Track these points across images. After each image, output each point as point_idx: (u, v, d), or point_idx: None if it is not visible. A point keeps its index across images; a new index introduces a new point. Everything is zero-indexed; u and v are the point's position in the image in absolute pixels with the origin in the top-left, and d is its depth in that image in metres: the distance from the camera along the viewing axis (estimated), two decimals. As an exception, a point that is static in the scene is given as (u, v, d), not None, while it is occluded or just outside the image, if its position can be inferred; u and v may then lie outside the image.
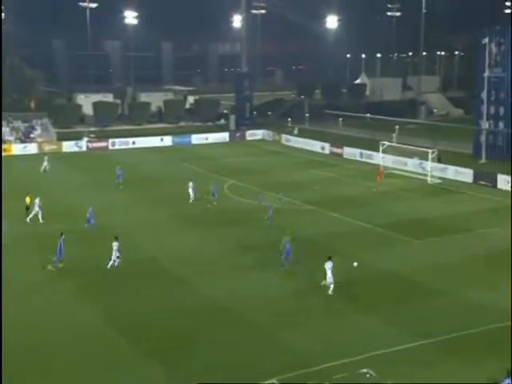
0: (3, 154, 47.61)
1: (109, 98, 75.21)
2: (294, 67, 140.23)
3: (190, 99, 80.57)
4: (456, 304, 21.38)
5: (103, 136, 60.15)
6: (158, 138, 59.93)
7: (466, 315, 20.47)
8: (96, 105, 70.49)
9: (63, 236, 24.40)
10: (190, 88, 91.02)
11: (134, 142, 58.23)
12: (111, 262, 24.17)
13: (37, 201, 30.57)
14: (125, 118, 73.40)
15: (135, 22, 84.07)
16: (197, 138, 61.56)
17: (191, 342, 18.80)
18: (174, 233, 30.00)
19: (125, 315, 20.62)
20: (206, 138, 61.86)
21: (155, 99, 76.08)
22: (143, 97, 77.87)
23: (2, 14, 70.39)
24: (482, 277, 23.97)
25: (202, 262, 25.79)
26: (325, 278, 22.07)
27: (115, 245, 24.27)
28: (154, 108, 74.71)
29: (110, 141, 57.75)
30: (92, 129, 64.62)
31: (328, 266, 21.96)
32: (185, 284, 23.37)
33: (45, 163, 44.69)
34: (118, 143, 57.74)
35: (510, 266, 24.82)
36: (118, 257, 24.20)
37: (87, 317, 20.46)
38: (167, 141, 59.85)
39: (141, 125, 70.13)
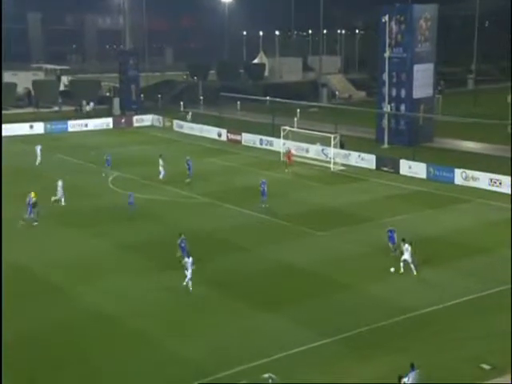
0: None
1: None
2: (185, 45, 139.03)
3: (65, 80, 77.14)
4: (360, 298, 22.40)
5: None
6: (27, 124, 56.74)
7: (370, 310, 21.52)
8: None
9: None
10: (65, 67, 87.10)
11: (-3, 130, 54.54)
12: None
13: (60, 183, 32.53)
14: (-16, 102, 68.57)
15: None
16: (74, 125, 59.10)
17: (67, 361, 18.07)
18: (44, 235, 28.61)
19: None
20: (86, 125, 59.58)
21: (22, 79, 71.95)
22: (7, 76, 73.30)
23: None
24: (386, 269, 25.31)
25: (78, 266, 24.86)
26: None
27: None
28: (21, 90, 70.55)
29: (-35, 129, 53.66)
30: None
31: None
32: (59, 292, 22.40)
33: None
34: (-23, 131, 53.78)
35: (415, 256, 26.57)
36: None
37: None
38: (38, 128, 56.86)
39: (6, 109, 65.87)
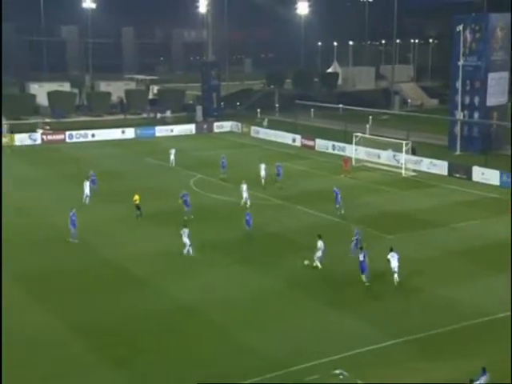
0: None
1: (65, 87, 73.81)
2: (263, 55, 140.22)
3: (154, 89, 79.74)
4: (431, 301, 21.75)
5: (59, 128, 58.96)
6: (120, 130, 59.13)
7: (442, 312, 20.85)
8: (51, 94, 69.02)
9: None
10: (153, 77, 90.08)
11: (93, 135, 57.28)
12: (186, 249, 25.37)
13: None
14: (83, 109, 72.15)
15: (93, 5, 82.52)
16: (161, 130, 60.96)
17: (155, 347, 18.65)
18: (135, 231, 29.65)
19: (83, 320, 20.31)
20: (171, 130, 61.33)
21: (116, 89, 75.02)
22: (103, 86, 76.66)
23: None
24: (458, 273, 24.44)
25: (166, 262, 25.60)
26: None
27: (185, 232, 25.43)
28: (114, 98, 73.63)
29: (67, 133, 56.63)
30: (47, 120, 63.20)
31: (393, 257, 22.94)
32: (148, 285, 23.14)
33: None
34: (76, 136, 56.68)
35: (486, 261, 25.45)
36: (190, 244, 25.43)
37: (45, 323, 20.07)
38: (129, 133, 59.09)
39: (101, 116, 69.03)
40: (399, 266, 22.72)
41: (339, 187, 33.01)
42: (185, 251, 25.58)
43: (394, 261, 22.74)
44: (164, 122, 64.92)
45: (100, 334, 19.38)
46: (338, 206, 31.82)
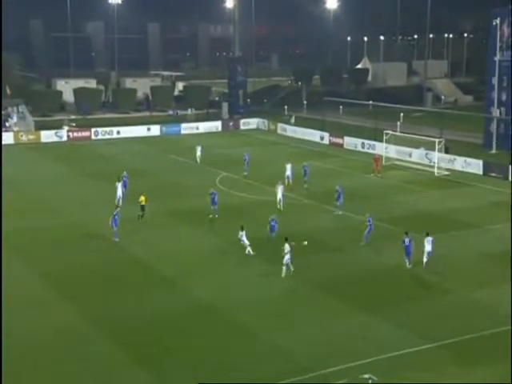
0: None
1: (91, 83, 74.85)
2: (290, 51, 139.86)
3: (179, 85, 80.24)
4: (465, 304, 21.48)
5: (85, 125, 59.85)
6: (145, 127, 59.69)
7: (475, 316, 20.57)
8: (77, 91, 70.08)
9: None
10: (179, 73, 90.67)
11: (118, 132, 58.00)
12: (247, 250, 25.79)
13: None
14: (109, 106, 73.06)
15: (119, 1, 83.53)
16: (186, 128, 61.35)
17: (182, 346, 18.80)
18: (162, 229, 29.94)
19: (110, 319, 20.60)
20: (197, 128, 61.65)
21: (141, 85, 75.75)
22: (129, 83, 77.53)
23: None
24: (493, 276, 24.03)
25: (190, 261, 25.78)
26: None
27: (242, 234, 25.74)
28: (140, 95, 74.38)
29: (93, 130, 57.45)
30: (73, 117, 64.27)
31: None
32: (175, 285, 23.36)
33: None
34: (102, 133, 57.47)
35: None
36: (248, 244, 25.79)
37: (70, 320, 20.42)
38: (155, 130, 59.61)
39: (127, 113, 69.82)
40: (431, 252, 24.12)
41: (371, 188, 32.76)
42: (246, 252, 25.87)
43: (428, 245, 24.15)
44: (186, 119, 65.10)
45: (127, 333, 19.62)
46: (338, 204, 31.70)
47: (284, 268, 23.52)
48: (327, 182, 39.22)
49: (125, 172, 35.50)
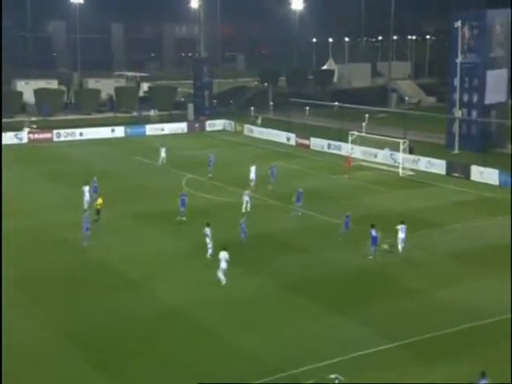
0: None
1: (53, 84, 73.42)
2: (256, 52, 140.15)
3: (144, 86, 79.52)
4: (429, 303, 21.85)
5: (47, 126, 58.73)
6: (109, 128, 58.91)
7: (438, 315, 20.94)
8: (38, 92, 68.63)
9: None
10: (144, 74, 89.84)
11: (81, 134, 57.12)
12: (209, 251, 25.22)
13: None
14: (71, 107, 71.84)
15: (81, 0, 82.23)
16: (151, 129, 60.82)
17: (144, 350, 18.61)
18: (127, 232, 29.59)
19: (73, 323, 20.31)
20: (162, 129, 61.18)
21: (105, 86, 74.66)
22: (92, 83, 76.35)
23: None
24: (457, 275, 24.53)
25: (156, 264, 25.57)
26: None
27: (207, 230, 25.50)
28: (104, 96, 73.36)
29: (55, 132, 56.42)
30: (34, 118, 62.88)
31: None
32: (137, 288, 23.12)
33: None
34: (64, 134, 56.48)
35: (484, 262, 25.57)
36: (210, 243, 25.44)
37: (32, 324, 20.01)
38: (119, 132, 58.90)
39: (90, 114, 68.78)
40: (405, 239, 25.63)
41: (337, 188, 33.02)
42: (208, 255, 25.52)
43: (401, 233, 25.65)
44: (149, 120, 64.37)
45: (91, 337, 19.35)
46: (299, 204, 31.91)
47: (222, 277, 22.78)
48: (293, 182, 39.33)
49: (95, 177, 34.93)
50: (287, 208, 33.16)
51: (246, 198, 32.33)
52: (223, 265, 22.83)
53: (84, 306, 21.54)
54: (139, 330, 19.98)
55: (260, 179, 37.24)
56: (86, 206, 31.79)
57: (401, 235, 25.74)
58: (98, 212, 29.95)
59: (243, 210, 31.76)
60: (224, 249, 23.06)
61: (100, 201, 30.26)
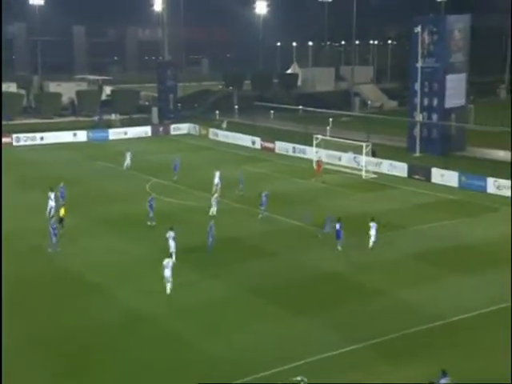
0: None
1: (11, 87, 71.97)
2: (221, 56, 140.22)
3: (107, 90, 78.64)
4: (393, 304, 22.24)
5: (6, 130, 57.38)
6: (71, 132, 58.03)
7: (402, 316, 21.34)
8: (-3, 95, 67.06)
9: None
10: (106, 77, 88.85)
11: (42, 138, 56.12)
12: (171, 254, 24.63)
13: None
14: (31, 111, 70.48)
15: (41, 2, 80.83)
16: (114, 133, 60.18)
17: (106, 357, 18.42)
18: (91, 238, 29.22)
19: (35, 330, 19.93)
20: (125, 133, 60.61)
21: (66, 90, 73.59)
22: (52, 87, 75.14)
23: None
24: (420, 275, 25.05)
25: (119, 270, 25.32)
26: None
27: (170, 234, 25.40)
28: (65, 99, 72.23)
29: (14, 136, 55.33)
30: (-8, 122, 61.43)
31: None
32: (99, 293, 22.87)
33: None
34: (24, 139, 55.44)
35: (445, 263, 26.22)
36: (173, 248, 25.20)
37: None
38: (81, 136, 58.08)
39: (51, 118, 67.59)
40: (376, 235, 27.08)
41: (302, 192, 33.20)
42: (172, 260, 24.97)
43: (372, 229, 27.19)
44: (110, 125, 63.49)
45: (53, 345, 19.03)
46: (262, 208, 32.20)
47: (168, 284, 22.35)
48: (259, 186, 39.53)
49: (62, 183, 34.34)
50: (253, 212, 33.30)
51: (213, 202, 32.35)
52: (167, 273, 22.21)
53: (47, 313, 21.20)
54: (103, 336, 19.78)
55: (226, 183, 37.27)
56: (52, 212, 31.19)
57: (372, 232, 27.10)
58: (60, 221, 29.48)
59: (210, 214, 31.75)
60: (169, 256, 22.82)
61: (62, 211, 29.82)
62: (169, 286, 22.46)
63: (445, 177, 40.59)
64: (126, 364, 18.17)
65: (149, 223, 30.56)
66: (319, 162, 43.20)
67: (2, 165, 38.13)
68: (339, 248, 27.18)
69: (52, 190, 32.34)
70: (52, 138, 56.38)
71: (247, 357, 18.51)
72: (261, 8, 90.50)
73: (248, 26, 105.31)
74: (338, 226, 27.19)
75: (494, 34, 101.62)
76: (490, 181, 38.00)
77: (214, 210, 32.26)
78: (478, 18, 64.75)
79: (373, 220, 27.44)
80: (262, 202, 32.13)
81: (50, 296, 22.68)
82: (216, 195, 33.28)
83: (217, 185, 36.77)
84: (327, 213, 32.81)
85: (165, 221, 30.28)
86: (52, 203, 31.61)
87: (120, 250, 27.78)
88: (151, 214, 30.82)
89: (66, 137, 57.16)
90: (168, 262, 22.49)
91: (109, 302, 22.23)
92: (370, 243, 27.25)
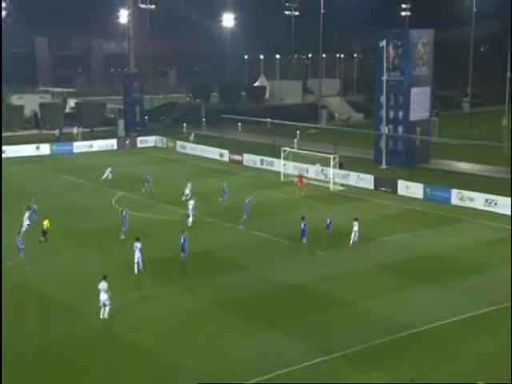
0: None
1: (-28, 100, 70.53)
2: (188, 68, 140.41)
3: (71, 102, 77.86)
4: (361, 315, 22.55)
5: (-35, 144, 56.21)
6: (34, 145, 57.20)
7: (371, 327, 21.66)
8: (-44, 108, 65.73)
9: None
10: (71, 90, 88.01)
11: (3, 151, 55.05)
12: (137, 265, 25.51)
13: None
14: (-8, 124, 69.08)
15: (3, 13, 79.61)
16: (79, 146, 59.56)
17: (77, 372, 18.18)
18: (57, 253, 28.80)
19: (6, 348, 19.54)
20: (91, 146, 60.05)
21: (29, 102, 72.62)
22: (15, 99, 74.05)
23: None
24: (387, 286, 25.47)
25: (86, 284, 24.98)
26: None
27: (137, 246, 25.66)
28: (28, 112, 71.20)
29: (-26, 150, 54.10)
30: (-48, 136, 60.01)
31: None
32: (69, 310, 22.60)
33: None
34: (-16, 152, 54.21)
35: (412, 274, 26.74)
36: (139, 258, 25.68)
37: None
38: (44, 149, 57.29)
39: (13, 131, 66.46)
40: (358, 231, 29.67)
41: (270, 204, 33.39)
42: (136, 271, 25.52)
43: (355, 226, 29.95)
44: (72, 138, 62.59)
45: (24, 362, 18.68)
46: (244, 217, 32.86)
47: (107, 309, 21.75)
48: (228, 199, 39.74)
49: (33, 198, 33.96)
50: (223, 225, 33.35)
51: (190, 212, 32.59)
52: (102, 296, 21.61)
53: (13, 330, 20.73)
54: (71, 352, 19.52)
55: (198, 196, 37.29)
56: (24, 229, 30.61)
57: (355, 228, 29.92)
58: (44, 233, 29.50)
59: (189, 225, 31.94)
60: (104, 278, 22.14)
61: (46, 221, 29.88)
62: (106, 311, 21.59)
63: (410, 189, 41.42)
64: (96, 380, 17.93)
65: (122, 237, 30.30)
66: (300, 177, 43.28)
67: (2, 168, 37.95)
68: (304, 241, 29.69)
69: (29, 209, 31.92)
70: (14, 151, 55.44)
71: (216, 371, 18.50)
72: (228, 21, 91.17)
73: (215, 39, 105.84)
74: (302, 225, 29.72)
75: (458, 48, 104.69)
76: (454, 192, 38.97)
77: (190, 220, 32.33)
78: (442, 32, 66.66)
79: (356, 219, 30.14)
80: (245, 208, 32.83)
81: (18, 313, 22.17)
82: (192, 202, 33.30)
83: (187, 195, 36.88)
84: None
85: (133, 235, 30.05)
86: (27, 222, 31.09)
87: (85, 264, 27.45)
88: (124, 228, 30.56)
89: (28, 150, 56.33)
90: (103, 285, 21.77)
91: (76, 317, 21.97)
92: (352, 240, 29.73)
